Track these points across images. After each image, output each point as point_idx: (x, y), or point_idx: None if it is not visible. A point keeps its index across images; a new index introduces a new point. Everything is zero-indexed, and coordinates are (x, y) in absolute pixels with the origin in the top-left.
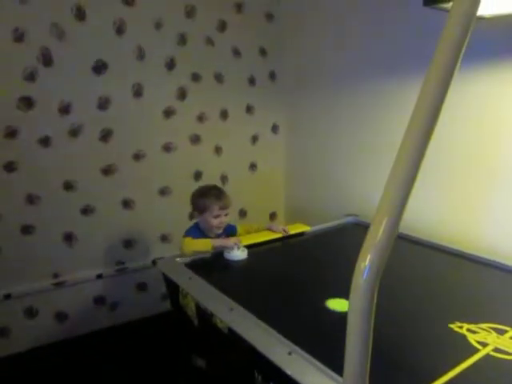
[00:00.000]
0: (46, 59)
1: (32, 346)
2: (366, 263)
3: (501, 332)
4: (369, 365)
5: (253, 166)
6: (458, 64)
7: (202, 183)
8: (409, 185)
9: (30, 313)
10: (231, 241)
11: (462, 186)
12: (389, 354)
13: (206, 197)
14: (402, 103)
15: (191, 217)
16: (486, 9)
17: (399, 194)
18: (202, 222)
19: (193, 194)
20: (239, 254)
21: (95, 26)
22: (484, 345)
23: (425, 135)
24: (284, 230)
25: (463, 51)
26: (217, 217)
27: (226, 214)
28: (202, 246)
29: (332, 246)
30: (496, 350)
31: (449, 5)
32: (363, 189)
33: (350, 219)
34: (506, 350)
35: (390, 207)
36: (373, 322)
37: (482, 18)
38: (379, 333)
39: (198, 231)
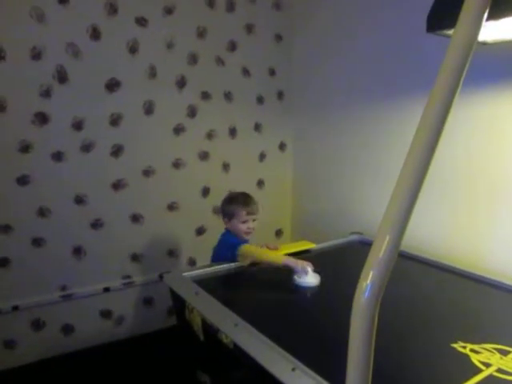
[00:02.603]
0: (62, 76)
1: (38, 358)
2: (368, 282)
3: (504, 353)
4: (370, 382)
5: (260, 183)
6: (459, 87)
7: (209, 199)
8: (410, 204)
9: (37, 325)
10: (301, 264)
11: (467, 207)
12: (391, 372)
13: (234, 202)
14: (409, 123)
15: (199, 232)
16: (488, 35)
17: (401, 213)
18: (232, 228)
19: (222, 201)
20: (311, 281)
21: (109, 45)
22: (487, 365)
23: (426, 156)
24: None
25: (464, 75)
26: (244, 222)
27: (254, 220)
28: (274, 258)
29: (336, 264)
30: (499, 370)
31: (451, 31)
32: (369, 207)
33: (354, 237)
34: (510, 370)
35: (391, 226)
36: (374, 339)
37: (485, 44)
38: (382, 351)
39: (236, 238)
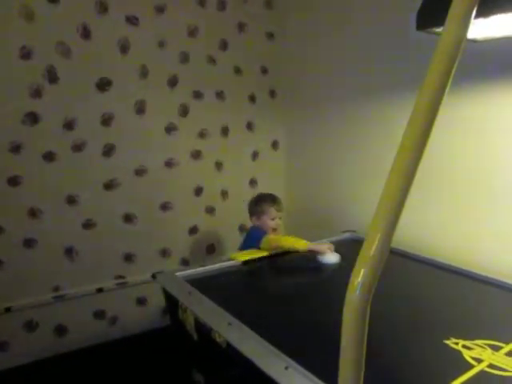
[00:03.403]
0: (52, 76)
1: (31, 359)
2: (359, 279)
3: (496, 348)
4: (362, 380)
5: (253, 182)
6: (448, 86)
7: (202, 199)
8: (401, 201)
9: (30, 326)
10: (324, 247)
11: (458, 203)
12: (383, 369)
13: (264, 201)
14: (401, 121)
15: (192, 232)
16: (478, 32)
17: (391, 210)
18: (260, 226)
19: (250, 202)
20: (333, 258)
21: (100, 44)
22: (479, 361)
23: (416, 153)
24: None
25: (453, 73)
26: (274, 219)
27: (280, 218)
28: (300, 245)
29: None
30: (491, 366)
31: (440, 29)
32: (362, 205)
33: (347, 235)
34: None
35: (381, 224)
36: (366, 336)
37: (475, 41)
38: (374, 348)
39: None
